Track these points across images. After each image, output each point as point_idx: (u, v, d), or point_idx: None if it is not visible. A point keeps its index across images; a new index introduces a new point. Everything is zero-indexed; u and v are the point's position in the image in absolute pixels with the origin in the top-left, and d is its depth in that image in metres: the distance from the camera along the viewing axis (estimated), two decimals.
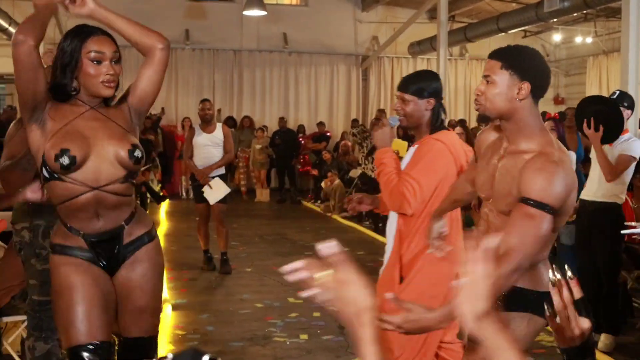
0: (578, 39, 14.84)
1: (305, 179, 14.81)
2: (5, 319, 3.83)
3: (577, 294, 1.40)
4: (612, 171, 4.56)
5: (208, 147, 6.86)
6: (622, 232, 4.39)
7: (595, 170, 4.74)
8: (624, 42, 8.06)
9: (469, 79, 16.56)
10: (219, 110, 14.38)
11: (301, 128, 15.05)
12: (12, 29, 11.96)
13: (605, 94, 11.06)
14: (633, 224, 4.45)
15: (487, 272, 1.23)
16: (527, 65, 2.23)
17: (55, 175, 2.44)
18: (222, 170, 6.95)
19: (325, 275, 1.25)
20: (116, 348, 2.74)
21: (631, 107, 4.84)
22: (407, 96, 2.94)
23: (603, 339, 4.72)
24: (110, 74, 2.48)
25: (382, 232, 8.04)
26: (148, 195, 10.69)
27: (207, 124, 6.95)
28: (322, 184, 12.33)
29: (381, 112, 13.65)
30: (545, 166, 2.11)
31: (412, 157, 2.94)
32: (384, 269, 3.04)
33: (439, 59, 12.85)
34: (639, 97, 7.12)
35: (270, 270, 7.06)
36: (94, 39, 2.48)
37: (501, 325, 1.23)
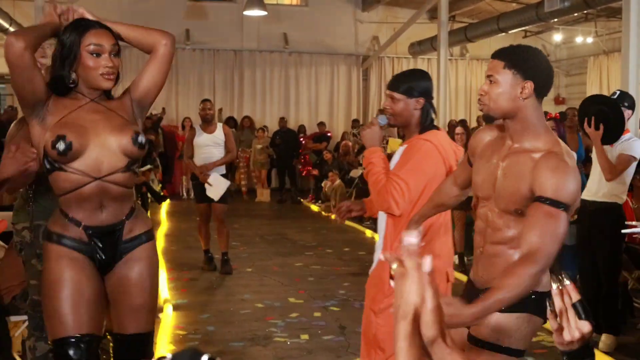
0: (579, 39, 14.84)
1: (305, 179, 14.81)
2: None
3: (575, 297, 1.40)
4: (612, 170, 4.56)
5: (209, 147, 6.87)
6: (623, 231, 4.39)
7: (596, 170, 4.74)
8: (625, 42, 8.06)
9: (470, 79, 16.56)
10: (220, 110, 14.39)
11: (302, 128, 15.05)
12: (12, 29, 11.97)
13: (605, 94, 11.04)
14: (634, 223, 4.46)
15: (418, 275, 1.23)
16: (530, 65, 2.24)
17: (56, 165, 2.47)
18: (222, 170, 6.95)
19: (395, 268, 1.25)
20: (110, 344, 2.74)
21: (632, 107, 4.84)
22: (397, 95, 2.92)
23: (604, 339, 4.72)
24: (109, 66, 2.52)
25: None
26: (149, 195, 10.69)
27: (207, 124, 6.95)
28: (323, 184, 12.33)
29: (382, 112, 13.64)
30: (560, 165, 2.13)
31: (400, 157, 2.92)
32: (373, 268, 3.03)
33: (439, 59, 12.85)
34: (639, 97, 7.12)
35: (271, 271, 7.06)
36: (93, 32, 2.51)
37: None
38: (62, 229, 2.56)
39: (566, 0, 10.34)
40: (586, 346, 1.43)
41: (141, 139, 2.55)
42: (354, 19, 15.98)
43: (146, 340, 2.67)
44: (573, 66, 16.46)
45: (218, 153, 6.89)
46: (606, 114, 4.56)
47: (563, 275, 1.42)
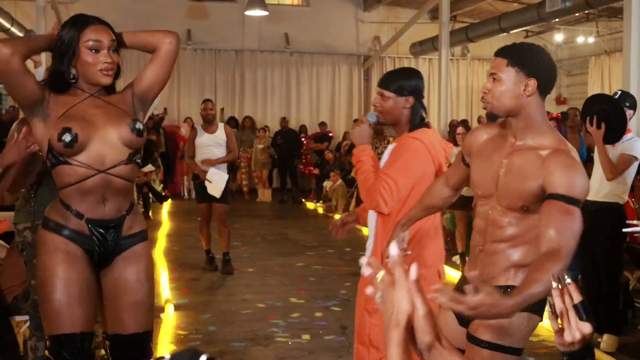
0: (580, 39, 14.84)
1: (307, 179, 14.82)
2: None
3: (577, 298, 1.40)
4: (613, 169, 4.56)
5: (210, 147, 6.86)
6: (624, 230, 4.39)
7: (598, 170, 4.74)
8: (626, 42, 8.06)
9: (471, 79, 16.56)
10: (222, 110, 14.40)
11: (303, 128, 15.05)
12: (14, 29, 11.99)
13: (607, 94, 11.05)
14: (634, 222, 4.45)
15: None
16: (533, 62, 2.24)
17: (61, 158, 2.48)
18: (224, 170, 6.95)
19: (382, 275, 1.27)
20: (106, 343, 2.73)
21: (633, 107, 4.83)
22: (387, 93, 2.92)
23: (605, 339, 4.71)
24: (108, 62, 2.53)
25: None
26: (150, 195, 10.70)
27: (209, 124, 6.95)
28: (325, 184, 12.33)
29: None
30: (571, 162, 2.15)
31: (389, 156, 2.91)
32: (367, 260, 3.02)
33: (440, 59, 12.84)
34: None
35: (272, 271, 7.07)
36: (92, 28, 2.52)
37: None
38: (62, 219, 2.56)
39: (567, 0, 10.34)
40: (587, 347, 1.43)
41: (139, 125, 2.56)
42: (356, 18, 15.98)
43: (146, 339, 2.67)
44: (574, 66, 16.46)
45: (219, 153, 6.88)
46: (608, 113, 4.56)
47: (565, 275, 1.42)
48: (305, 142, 14.52)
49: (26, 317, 3.71)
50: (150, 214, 10.57)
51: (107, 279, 2.63)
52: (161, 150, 12.98)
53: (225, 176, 6.85)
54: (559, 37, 15.23)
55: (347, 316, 5.38)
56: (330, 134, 14.96)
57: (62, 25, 2.57)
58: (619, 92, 4.89)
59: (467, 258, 7.13)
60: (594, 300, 4.71)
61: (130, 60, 12.68)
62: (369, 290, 1.30)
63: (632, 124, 5.10)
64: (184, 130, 13.13)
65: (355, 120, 14.80)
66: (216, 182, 6.73)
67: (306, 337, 4.90)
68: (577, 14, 12.33)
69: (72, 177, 2.51)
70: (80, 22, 2.53)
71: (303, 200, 13.34)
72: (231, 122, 13.68)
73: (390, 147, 2.96)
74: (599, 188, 4.74)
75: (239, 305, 5.73)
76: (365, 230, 9.84)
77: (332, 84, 16.08)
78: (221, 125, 7.05)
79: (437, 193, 2.66)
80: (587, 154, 6.52)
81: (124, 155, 2.55)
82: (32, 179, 3.36)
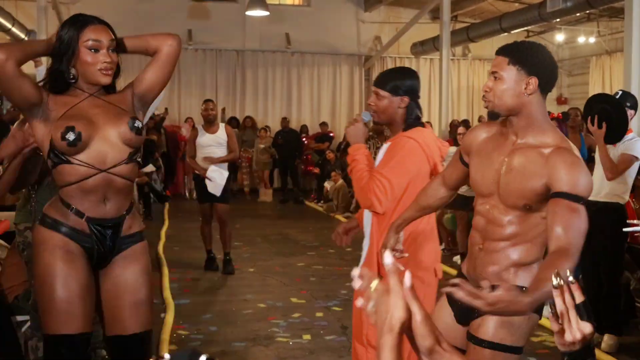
0: (581, 39, 14.83)
1: (308, 179, 14.82)
2: None
3: (579, 298, 1.40)
4: (613, 169, 4.55)
5: (211, 147, 6.87)
6: (624, 229, 4.38)
7: (599, 170, 4.73)
8: (627, 42, 8.06)
9: (472, 79, 16.56)
10: (224, 110, 14.40)
11: (304, 128, 15.06)
12: (15, 30, 11.99)
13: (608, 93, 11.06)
14: (635, 221, 4.44)
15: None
16: (534, 60, 2.24)
17: (63, 157, 2.48)
18: (225, 169, 6.95)
19: (376, 284, 1.29)
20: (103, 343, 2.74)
21: (634, 107, 4.83)
22: (382, 92, 2.92)
23: (606, 339, 4.71)
24: (108, 61, 2.53)
25: None
26: (151, 195, 10.70)
27: (210, 124, 6.95)
28: (326, 184, 12.33)
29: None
30: (575, 160, 2.16)
31: (384, 155, 2.91)
32: (361, 267, 3.02)
33: (441, 59, 12.84)
34: None
35: (273, 271, 7.07)
36: (91, 28, 2.53)
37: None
38: (61, 217, 2.56)
39: (568, 0, 10.34)
40: (587, 347, 1.42)
41: (137, 123, 2.57)
42: (357, 19, 15.98)
43: (146, 339, 2.67)
44: (575, 66, 16.45)
45: (220, 153, 6.89)
46: (609, 113, 4.56)
47: (568, 273, 1.42)
48: (306, 142, 14.53)
49: (27, 317, 3.71)
50: (151, 214, 10.57)
51: (107, 279, 2.63)
52: (162, 151, 12.98)
53: (226, 173, 6.85)
54: (560, 37, 15.22)
55: (348, 316, 5.37)
56: (331, 134, 14.96)
57: (62, 25, 2.57)
58: (620, 92, 4.88)
59: None
60: (594, 300, 4.70)
61: (130, 60, 12.70)
62: (359, 302, 1.31)
63: (633, 124, 5.10)
64: (185, 130, 13.16)
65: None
66: (216, 179, 6.73)
67: (307, 337, 4.90)
68: (578, 14, 12.33)
69: (73, 177, 2.51)
70: (80, 22, 2.53)
71: (304, 200, 13.34)
72: (232, 122, 13.69)
73: (385, 146, 2.96)
74: (600, 188, 4.73)
75: (240, 305, 5.74)
76: None
77: (333, 84, 16.08)
78: (222, 126, 7.06)
79: (433, 193, 2.65)
80: (588, 154, 6.51)
81: (125, 154, 2.55)
82: (34, 177, 3.36)
